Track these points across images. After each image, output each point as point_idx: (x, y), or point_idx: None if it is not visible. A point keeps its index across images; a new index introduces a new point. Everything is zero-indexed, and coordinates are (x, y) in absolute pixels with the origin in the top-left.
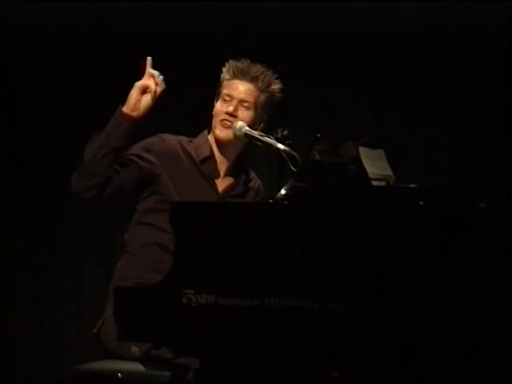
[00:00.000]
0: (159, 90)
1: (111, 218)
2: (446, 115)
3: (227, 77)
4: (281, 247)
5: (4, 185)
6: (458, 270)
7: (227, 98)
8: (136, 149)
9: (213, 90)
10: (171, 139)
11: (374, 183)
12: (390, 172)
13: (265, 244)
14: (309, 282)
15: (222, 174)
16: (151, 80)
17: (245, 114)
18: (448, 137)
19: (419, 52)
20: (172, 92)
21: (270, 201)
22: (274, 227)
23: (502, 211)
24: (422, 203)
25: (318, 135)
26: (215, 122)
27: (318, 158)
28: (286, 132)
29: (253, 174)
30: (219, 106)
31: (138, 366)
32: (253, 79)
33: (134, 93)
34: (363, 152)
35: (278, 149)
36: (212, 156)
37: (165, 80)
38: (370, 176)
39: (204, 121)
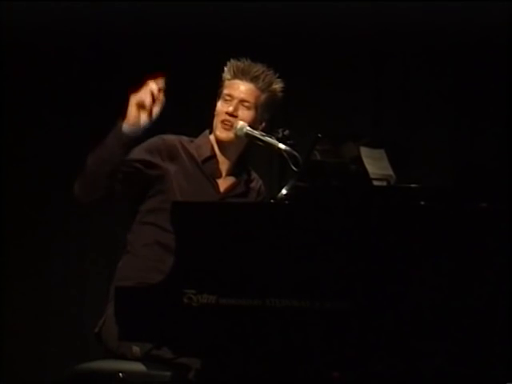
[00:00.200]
0: (156, 109)
1: (113, 217)
2: (447, 115)
3: (228, 77)
4: (282, 247)
5: (6, 186)
6: (460, 269)
7: (228, 98)
8: (139, 153)
9: (215, 90)
10: (172, 139)
11: (375, 183)
12: (390, 172)
13: (266, 244)
14: (310, 282)
15: (223, 173)
16: (148, 96)
17: (245, 113)
18: (448, 137)
19: (420, 52)
20: (173, 92)
21: (271, 201)
22: (275, 227)
23: (503, 211)
24: (423, 203)
25: (319, 135)
26: (216, 122)
27: (318, 157)
28: (287, 132)
29: (254, 174)
30: (220, 105)
31: (139, 366)
32: (253, 79)
33: (133, 109)
34: (364, 152)
35: (279, 149)
36: (214, 156)
37: (166, 80)
38: (371, 176)
39: (206, 121)
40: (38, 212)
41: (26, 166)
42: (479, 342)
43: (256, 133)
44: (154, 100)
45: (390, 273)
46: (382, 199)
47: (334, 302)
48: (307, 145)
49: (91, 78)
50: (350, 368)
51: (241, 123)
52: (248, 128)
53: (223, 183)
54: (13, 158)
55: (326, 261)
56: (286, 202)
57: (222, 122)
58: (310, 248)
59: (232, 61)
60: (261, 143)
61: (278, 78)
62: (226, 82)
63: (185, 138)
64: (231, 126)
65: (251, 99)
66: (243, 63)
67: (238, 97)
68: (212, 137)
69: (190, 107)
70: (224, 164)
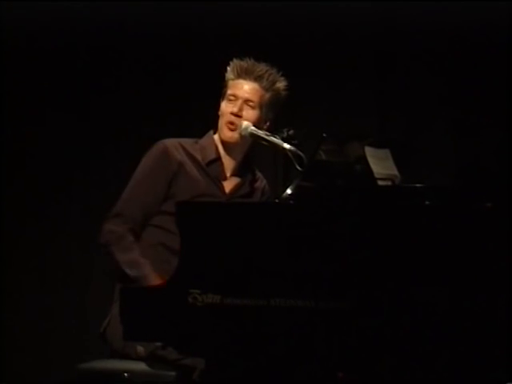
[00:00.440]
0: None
1: None
2: (451, 115)
3: (232, 76)
4: (286, 247)
5: (7, 184)
6: (464, 269)
7: (232, 98)
8: (155, 179)
9: (219, 90)
10: (173, 144)
11: (380, 183)
12: (395, 172)
13: (270, 244)
14: (314, 282)
15: (228, 174)
16: None
17: (250, 113)
18: (453, 136)
19: (424, 52)
20: (175, 92)
21: (276, 200)
22: (280, 227)
23: (507, 210)
24: (427, 203)
25: (324, 135)
26: (221, 122)
27: (323, 157)
28: (291, 132)
29: (259, 174)
30: (224, 106)
31: (143, 366)
32: (257, 78)
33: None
34: (369, 152)
35: (284, 148)
36: (218, 158)
37: (170, 80)
38: (376, 176)
39: (210, 121)
40: (40, 211)
41: (27, 165)
42: (479, 342)
43: (261, 132)
44: None
45: (395, 273)
46: (386, 199)
47: (339, 302)
48: (312, 144)
49: (91, 78)
50: (354, 368)
51: (245, 123)
52: (252, 128)
53: (228, 184)
54: (14, 157)
55: (331, 261)
56: (291, 201)
57: (228, 122)
58: (314, 248)
59: (235, 60)
60: (265, 143)
61: (282, 76)
62: (230, 82)
63: (188, 140)
64: (236, 126)
65: (256, 99)
66: (247, 63)
67: (243, 97)
68: (216, 137)
69: (192, 107)
70: (229, 165)
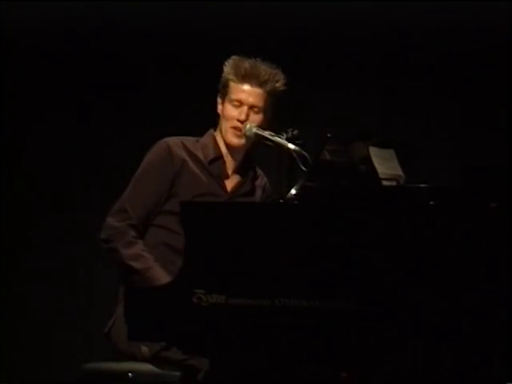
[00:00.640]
0: None
1: None
2: (455, 115)
3: (234, 78)
4: (291, 247)
5: (15, 184)
6: (468, 269)
7: (237, 104)
8: (158, 177)
9: (215, 87)
10: (175, 142)
11: (385, 183)
12: (400, 172)
13: (275, 244)
14: (318, 282)
15: (230, 172)
16: None
17: (255, 118)
18: (457, 137)
19: (428, 52)
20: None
21: (280, 200)
22: (284, 227)
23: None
24: (432, 203)
25: (329, 135)
26: (226, 126)
27: (328, 157)
28: (296, 132)
29: (259, 171)
30: (230, 111)
31: (147, 366)
32: (262, 84)
33: None
34: (373, 152)
35: (289, 149)
36: (220, 156)
37: (171, 80)
38: (381, 176)
39: (211, 120)
40: (44, 212)
41: (39, 167)
42: (480, 341)
43: (265, 133)
44: None
45: (400, 273)
46: (391, 199)
47: (343, 302)
48: (316, 145)
49: (92, 78)
50: (358, 368)
51: (250, 123)
52: (257, 128)
53: (230, 182)
54: (14, 157)
55: (335, 261)
56: (295, 202)
57: (234, 128)
58: (319, 248)
59: (236, 60)
60: (270, 143)
61: (279, 70)
62: (233, 85)
63: (189, 139)
64: (242, 133)
65: (261, 104)
66: (250, 65)
67: (248, 103)
68: (217, 135)
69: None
70: (231, 164)
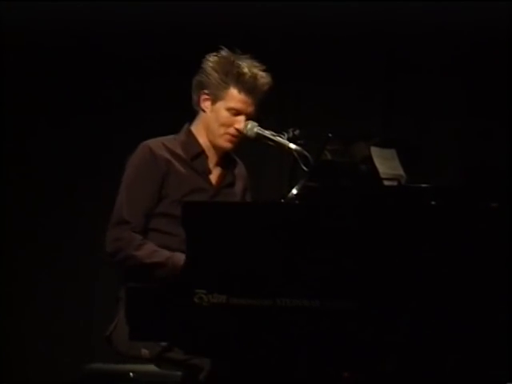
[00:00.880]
0: None
1: None
2: (457, 115)
3: (234, 87)
4: (292, 247)
5: (15, 183)
6: (470, 269)
7: (234, 112)
8: (149, 181)
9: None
10: (156, 144)
11: (386, 183)
12: (401, 172)
13: (276, 244)
14: (320, 282)
15: (212, 166)
16: None
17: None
18: (459, 137)
19: (431, 52)
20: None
21: (282, 200)
22: (286, 227)
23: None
24: (433, 203)
25: (330, 135)
26: (220, 131)
27: (329, 157)
28: (297, 131)
29: (237, 160)
30: (225, 117)
31: (149, 366)
32: (259, 94)
33: None
34: (375, 152)
35: (290, 148)
36: (203, 151)
37: (173, 79)
38: (382, 176)
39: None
40: (45, 214)
41: (38, 166)
42: (480, 342)
43: (267, 132)
44: None
45: (401, 273)
46: (392, 199)
47: (345, 302)
48: (318, 144)
49: (92, 78)
50: (360, 368)
51: (251, 123)
52: (258, 128)
53: (214, 175)
54: (15, 158)
55: (337, 261)
56: (297, 201)
57: (231, 135)
58: (320, 248)
59: (237, 67)
60: (271, 143)
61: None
62: (232, 93)
63: (167, 138)
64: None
65: (254, 110)
66: (252, 77)
67: (247, 113)
68: (197, 131)
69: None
70: (213, 157)
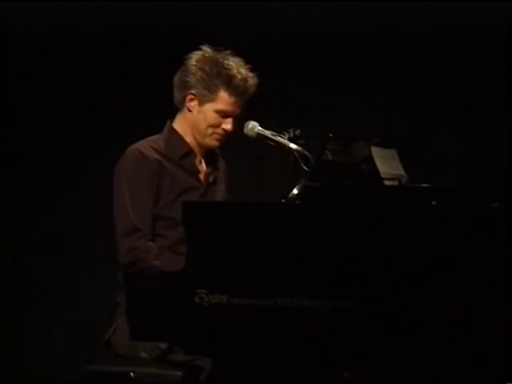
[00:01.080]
0: None
1: None
2: (458, 116)
3: (225, 90)
4: (293, 247)
5: (17, 180)
6: (471, 269)
7: (222, 114)
8: (147, 185)
9: None
10: (145, 146)
11: (387, 183)
12: (402, 171)
13: (277, 243)
14: (321, 282)
15: (198, 163)
16: None
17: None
18: (460, 137)
19: (432, 53)
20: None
21: (282, 200)
22: (286, 227)
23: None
24: (434, 203)
25: (331, 135)
26: (207, 131)
27: (330, 157)
28: (298, 131)
29: (217, 152)
30: (213, 118)
31: (150, 366)
32: (248, 96)
33: None
34: (375, 151)
35: (290, 148)
36: (191, 150)
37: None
38: (383, 175)
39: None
40: (45, 214)
41: (39, 163)
42: (480, 341)
43: (267, 132)
44: None
45: (402, 273)
46: (393, 199)
47: (345, 302)
48: (318, 144)
49: (93, 78)
50: (360, 368)
51: (252, 123)
52: (259, 128)
53: (202, 173)
54: (16, 158)
55: (337, 261)
56: (297, 201)
57: (219, 135)
58: (321, 248)
59: (230, 71)
60: (272, 143)
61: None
62: (222, 96)
63: (152, 139)
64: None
65: (240, 111)
66: (243, 81)
67: (235, 114)
68: (182, 129)
69: None
70: (199, 155)
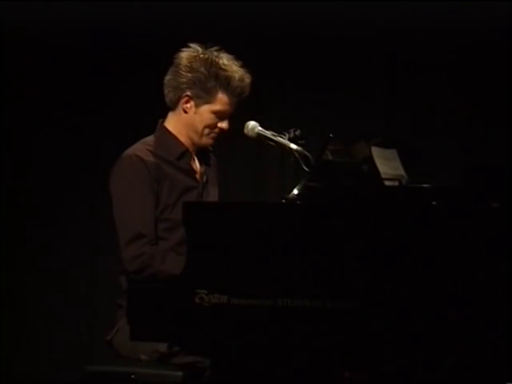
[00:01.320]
0: None
1: None
2: (458, 116)
3: (224, 91)
4: (293, 247)
5: (16, 182)
6: (471, 269)
7: (220, 114)
8: (148, 189)
9: None
10: (141, 149)
11: (387, 183)
12: (402, 172)
13: (277, 244)
14: (321, 282)
15: (192, 161)
16: None
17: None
18: (460, 137)
19: (432, 53)
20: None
21: (283, 200)
22: (287, 227)
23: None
24: (434, 203)
25: (331, 135)
26: (205, 131)
27: (330, 157)
28: (298, 132)
29: (209, 148)
30: (210, 119)
31: (150, 367)
32: (244, 95)
33: None
34: (376, 152)
35: (291, 149)
36: (187, 150)
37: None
38: (383, 176)
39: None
40: (47, 214)
41: (40, 164)
42: (480, 342)
43: (267, 133)
44: None
45: (402, 273)
46: (393, 199)
47: (346, 302)
48: (319, 145)
49: (93, 78)
50: (360, 368)
51: (252, 123)
52: (260, 128)
53: (198, 172)
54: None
55: (338, 261)
56: (298, 202)
57: (216, 134)
58: (321, 248)
59: (222, 65)
60: (272, 143)
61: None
62: (221, 97)
63: (146, 141)
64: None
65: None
66: (241, 81)
67: (230, 113)
68: (176, 129)
69: None
70: (193, 153)
